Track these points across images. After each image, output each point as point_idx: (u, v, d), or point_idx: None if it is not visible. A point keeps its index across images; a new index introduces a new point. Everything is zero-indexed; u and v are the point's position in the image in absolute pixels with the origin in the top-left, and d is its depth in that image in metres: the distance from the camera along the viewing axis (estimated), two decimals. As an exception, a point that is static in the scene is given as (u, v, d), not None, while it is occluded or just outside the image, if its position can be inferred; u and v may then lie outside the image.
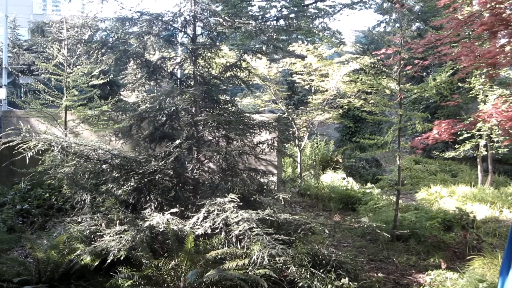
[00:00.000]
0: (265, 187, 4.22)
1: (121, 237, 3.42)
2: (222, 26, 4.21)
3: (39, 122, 7.38)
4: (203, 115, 4.07)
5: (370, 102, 5.95)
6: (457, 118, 7.26)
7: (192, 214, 3.50)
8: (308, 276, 3.31)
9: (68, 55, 6.73)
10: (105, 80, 7.31)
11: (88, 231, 3.87)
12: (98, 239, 3.69)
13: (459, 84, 9.22)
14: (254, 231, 3.10)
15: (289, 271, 3.29)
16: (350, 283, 3.36)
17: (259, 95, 9.40)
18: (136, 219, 3.66)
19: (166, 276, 3.28)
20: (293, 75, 9.59)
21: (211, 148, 3.97)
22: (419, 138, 5.94)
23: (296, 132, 8.14)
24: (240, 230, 3.15)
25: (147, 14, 4.13)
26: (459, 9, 6.04)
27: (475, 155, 9.00)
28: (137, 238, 3.40)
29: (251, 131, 4.19)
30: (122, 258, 3.31)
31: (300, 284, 3.24)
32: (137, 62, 4.16)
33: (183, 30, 4.25)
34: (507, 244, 1.67)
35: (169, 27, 4.27)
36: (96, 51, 4.04)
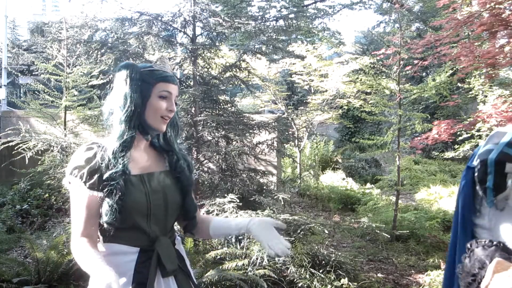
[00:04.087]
0: (264, 187, 4.22)
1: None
2: (222, 27, 4.20)
3: (38, 122, 7.38)
4: (202, 115, 4.07)
5: (370, 102, 5.95)
6: (456, 119, 7.26)
7: (192, 215, 3.50)
8: (307, 276, 3.32)
9: (67, 55, 6.72)
10: (105, 80, 7.30)
11: (88, 231, 3.86)
12: (98, 239, 3.68)
13: (459, 84, 9.23)
14: (254, 232, 3.09)
15: (288, 271, 3.29)
16: (350, 283, 3.36)
17: (259, 95, 9.41)
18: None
19: (165, 276, 3.28)
20: (293, 75, 9.60)
21: (211, 148, 3.97)
22: (419, 138, 5.95)
23: (296, 133, 8.14)
24: (239, 231, 3.15)
25: (147, 14, 4.13)
26: (459, 9, 6.04)
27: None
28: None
29: (251, 131, 4.19)
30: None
31: (299, 284, 3.24)
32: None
33: (183, 30, 4.25)
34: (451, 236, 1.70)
35: (169, 27, 4.27)
36: (96, 51, 4.04)
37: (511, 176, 1.41)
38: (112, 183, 1.27)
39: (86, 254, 1.25)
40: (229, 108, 4.37)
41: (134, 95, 1.34)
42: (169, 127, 1.46)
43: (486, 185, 1.45)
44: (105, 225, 1.29)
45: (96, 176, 1.28)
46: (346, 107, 9.05)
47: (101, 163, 1.29)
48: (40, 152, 3.86)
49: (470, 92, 8.46)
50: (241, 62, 4.35)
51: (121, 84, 1.37)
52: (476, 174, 1.51)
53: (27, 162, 3.90)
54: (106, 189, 1.27)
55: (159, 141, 1.46)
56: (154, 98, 1.36)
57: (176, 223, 1.52)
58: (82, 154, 1.32)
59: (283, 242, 1.37)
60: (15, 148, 3.76)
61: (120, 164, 1.29)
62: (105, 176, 1.28)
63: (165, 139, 1.47)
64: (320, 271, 3.42)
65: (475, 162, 1.52)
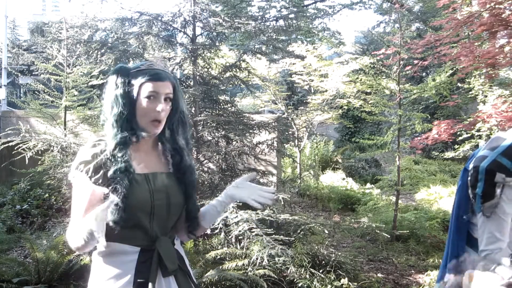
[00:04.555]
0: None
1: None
2: (222, 27, 4.20)
3: (38, 122, 7.38)
4: (202, 115, 4.07)
5: (370, 102, 5.95)
6: (456, 119, 7.27)
7: (192, 215, 3.49)
8: (307, 276, 3.32)
9: (67, 55, 6.72)
10: (105, 80, 7.29)
11: (88, 231, 3.86)
12: (98, 240, 3.67)
13: (459, 84, 9.24)
14: (254, 232, 3.10)
15: (288, 271, 3.29)
16: (350, 283, 3.36)
17: (259, 95, 9.40)
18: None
19: (165, 276, 3.28)
20: (293, 76, 9.59)
21: (211, 148, 3.97)
22: (419, 138, 5.95)
23: (296, 133, 8.13)
24: (239, 231, 3.15)
25: (147, 14, 4.13)
26: (459, 9, 6.04)
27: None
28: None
29: (251, 131, 4.19)
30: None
31: (299, 285, 3.24)
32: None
33: (183, 30, 4.25)
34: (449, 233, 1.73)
35: (169, 27, 4.27)
36: (96, 51, 4.04)
37: (501, 186, 1.43)
38: (116, 181, 1.28)
39: (76, 225, 1.27)
40: (229, 108, 4.37)
41: (120, 100, 1.34)
42: (174, 122, 1.44)
43: (476, 192, 1.48)
44: (111, 224, 1.28)
45: (101, 172, 1.29)
46: (346, 107, 9.04)
47: (107, 160, 1.31)
48: (40, 152, 3.86)
49: (470, 92, 8.47)
50: (241, 62, 4.35)
51: (110, 89, 1.38)
52: (469, 178, 1.53)
53: (27, 162, 3.89)
54: (111, 187, 1.28)
55: (165, 137, 1.45)
56: (141, 99, 1.35)
57: (177, 227, 1.52)
58: (89, 150, 1.33)
59: (264, 190, 1.48)
60: (15, 148, 3.76)
61: (120, 162, 1.30)
62: (109, 173, 1.29)
63: (171, 135, 1.46)
64: (320, 271, 3.42)
65: (471, 166, 1.54)
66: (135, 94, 1.35)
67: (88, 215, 1.20)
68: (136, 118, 1.35)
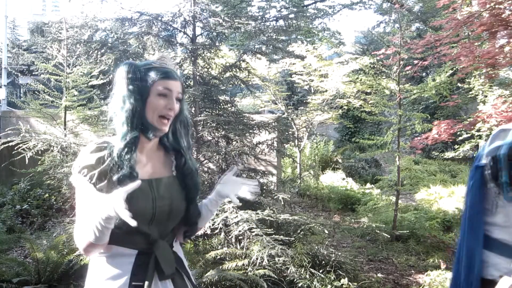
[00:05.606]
0: (264, 187, 4.22)
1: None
2: (222, 27, 4.20)
3: (38, 122, 7.38)
4: (202, 115, 4.07)
5: (370, 102, 5.95)
6: (456, 119, 7.27)
7: (192, 215, 3.49)
8: (307, 276, 3.32)
9: (67, 55, 6.72)
10: (105, 81, 7.30)
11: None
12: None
13: (459, 84, 9.24)
14: (254, 232, 3.10)
15: (288, 271, 3.29)
16: (350, 283, 3.36)
17: (259, 96, 9.40)
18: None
19: (165, 276, 3.28)
20: (293, 76, 9.60)
21: (211, 148, 3.97)
22: (419, 138, 5.95)
23: (296, 133, 8.14)
24: (239, 231, 3.15)
25: (147, 15, 4.13)
26: (459, 9, 6.04)
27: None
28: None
29: (251, 131, 4.19)
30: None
31: (299, 285, 3.24)
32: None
33: (183, 30, 4.25)
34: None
35: (169, 27, 4.26)
36: (96, 51, 4.04)
37: None
38: (119, 186, 1.22)
39: (87, 222, 1.22)
40: (229, 108, 4.37)
41: (133, 95, 1.30)
42: (178, 124, 1.42)
43: (502, 181, 1.43)
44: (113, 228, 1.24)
45: (105, 179, 1.26)
46: (346, 107, 9.04)
47: (111, 165, 1.26)
48: (40, 152, 3.86)
49: (470, 92, 8.46)
50: (241, 62, 4.34)
51: (120, 85, 1.33)
52: (487, 172, 1.49)
53: (27, 162, 3.89)
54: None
55: (168, 138, 1.42)
56: (153, 96, 1.32)
57: (176, 230, 1.49)
58: (94, 154, 1.28)
59: (247, 184, 1.47)
60: (15, 148, 3.76)
61: (126, 166, 1.26)
62: (114, 178, 1.25)
63: (174, 137, 1.43)
64: (320, 271, 3.42)
65: (484, 161, 1.50)
66: (147, 90, 1.32)
67: (103, 200, 1.14)
68: (146, 115, 1.32)
